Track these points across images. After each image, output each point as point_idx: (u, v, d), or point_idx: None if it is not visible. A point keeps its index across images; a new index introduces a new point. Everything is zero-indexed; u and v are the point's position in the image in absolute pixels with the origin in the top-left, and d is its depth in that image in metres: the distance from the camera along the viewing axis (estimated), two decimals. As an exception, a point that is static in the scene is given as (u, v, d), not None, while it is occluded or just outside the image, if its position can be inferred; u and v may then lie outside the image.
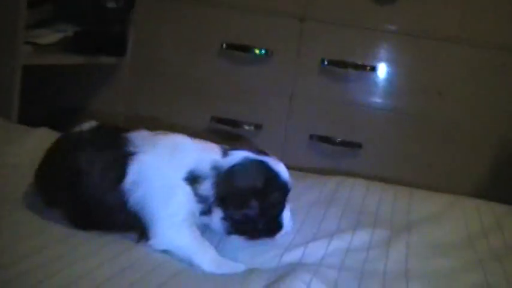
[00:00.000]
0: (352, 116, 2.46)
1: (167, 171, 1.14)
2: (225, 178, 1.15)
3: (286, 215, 1.21)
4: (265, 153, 1.21)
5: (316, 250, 1.19)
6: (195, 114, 2.54)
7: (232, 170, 1.15)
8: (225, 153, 1.18)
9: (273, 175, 1.19)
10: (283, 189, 1.20)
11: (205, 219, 1.17)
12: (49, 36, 2.12)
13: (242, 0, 2.47)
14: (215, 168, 1.15)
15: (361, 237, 1.26)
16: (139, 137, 1.18)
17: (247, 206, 1.15)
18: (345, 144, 2.46)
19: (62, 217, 1.13)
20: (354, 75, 2.43)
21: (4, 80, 1.89)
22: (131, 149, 1.15)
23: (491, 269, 1.17)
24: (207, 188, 1.14)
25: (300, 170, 2.29)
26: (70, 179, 1.14)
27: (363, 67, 2.41)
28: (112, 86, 2.60)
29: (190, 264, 1.08)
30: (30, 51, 2.01)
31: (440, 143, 2.40)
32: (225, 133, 2.48)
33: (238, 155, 1.18)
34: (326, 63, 2.41)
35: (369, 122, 2.46)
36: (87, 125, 1.22)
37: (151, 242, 1.11)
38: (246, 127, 2.49)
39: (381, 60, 2.42)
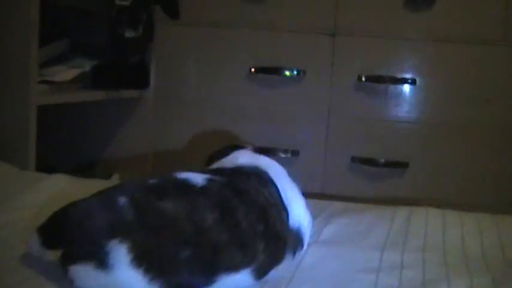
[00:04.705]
0: (395, 133, 2.28)
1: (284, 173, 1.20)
2: None
3: None
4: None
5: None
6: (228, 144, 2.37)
7: None
8: None
9: None
10: None
11: None
12: (65, 73, 1.99)
13: (267, 20, 2.32)
14: None
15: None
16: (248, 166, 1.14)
17: None
18: (390, 164, 2.27)
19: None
20: (393, 89, 2.26)
21: (19, 123, 1.76)
22: (256, 169, 1.13)
23: None
24: None
25: (343, 197, 2.16)
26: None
27: (402, 80, 2.24)
28: (136, 120, 2.44)
29: None
30: (45, 90, 1.88)
31: (494, 154, 2.21)
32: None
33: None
34: (364, 79, 2.23)
35: (414, 138, 2.28)
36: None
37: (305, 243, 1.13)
38: (282, 155, 2.32)
39: (420, 71, 2.25)
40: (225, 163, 1.16)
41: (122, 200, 0.91)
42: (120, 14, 2.06)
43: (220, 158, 1.22)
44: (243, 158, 1.17)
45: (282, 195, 1.10)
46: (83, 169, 2.36)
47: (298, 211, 1.12)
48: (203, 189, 0.98)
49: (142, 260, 0.86)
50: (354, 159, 2.29)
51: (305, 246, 1.13)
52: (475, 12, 2.19)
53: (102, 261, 0.85)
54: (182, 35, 2.40)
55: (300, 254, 1.10)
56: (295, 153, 2.33)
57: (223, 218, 0.94)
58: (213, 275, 0.91)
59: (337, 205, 1.47)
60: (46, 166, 1.78)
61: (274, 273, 1.01)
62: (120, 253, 0.85)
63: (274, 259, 1.00)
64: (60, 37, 2.12)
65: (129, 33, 2.09)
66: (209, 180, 1.01)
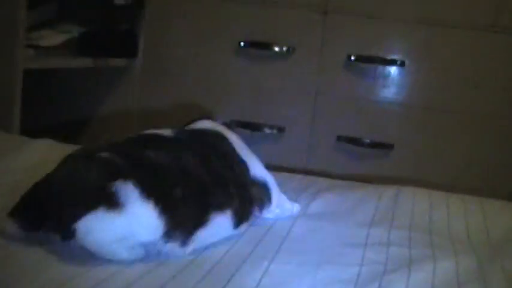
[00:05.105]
0: (382, 114, 2.28)
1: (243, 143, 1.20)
2: None
3: None
4: None
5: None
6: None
7: None
8: None
9: None
10: None
11: None
12: (52, 38, 1.96)
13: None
14: None
15: (444, 268, 1.00)
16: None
17: None
18: (375, 145, 2.27)
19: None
20: (382, 70, 2.25)
21: (4, 86, 1.73)
22: (215, 132, 1.15)
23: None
24: None
25: (328, 175, 2.15)
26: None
27: (391, 61, 2.23)
28: (123, 89, 2.41)
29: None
30: (31, 54, 1.85)
31: (479, 140, 2.22)
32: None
33: None
34: (353, 58, 2.22)
35: (400, 120, 2.27)
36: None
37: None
38: (268, 130, 2.32)
39: (410, 53, 2.24)
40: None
41: (104, 154, 0.91)
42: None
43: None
44: (205, 124, 1.18)
45: (241, 155, 1.12)
46: (65, 134, 2.34)
47: (260, 170, 1.15)
48: (177, 140, 1.03)
49: (150, 193, 0.87)
50: (339, 138, 2.29)
51: (273, 205, 1.14)
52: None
53: (111, 202, 0.85)
54: (173, 5, 2.36)
55: (268, 211, 1.13)
56: (281, 129, 2.33)
57: (203, 163, 0.98)
58: (206, 213, 0.94)
59: (324, 181, 1.47)
60: (28, 130, 1.76)
61: (261, 243, 1.01)
62: (128, 189, 0.86)
63: (245, 206, 1.04)
64: (49, 1, 2.09)
65: (119, 1, 2.07)
66: (177, 133, 1.05)
